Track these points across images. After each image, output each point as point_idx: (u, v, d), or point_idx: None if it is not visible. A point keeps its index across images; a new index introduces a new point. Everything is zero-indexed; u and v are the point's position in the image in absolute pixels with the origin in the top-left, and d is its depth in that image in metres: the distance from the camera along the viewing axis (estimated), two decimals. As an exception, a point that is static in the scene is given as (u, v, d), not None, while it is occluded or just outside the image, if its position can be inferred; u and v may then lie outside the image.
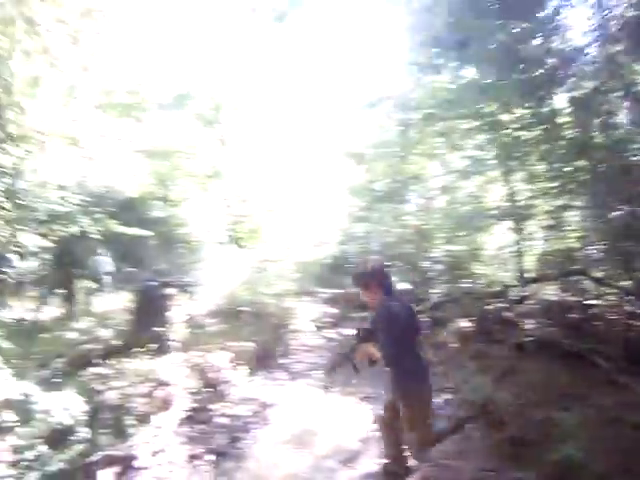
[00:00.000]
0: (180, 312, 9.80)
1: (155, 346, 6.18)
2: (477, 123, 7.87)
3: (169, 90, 10.99)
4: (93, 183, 10.89)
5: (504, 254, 9.69)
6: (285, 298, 9.70)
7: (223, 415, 5.23)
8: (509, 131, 7.52)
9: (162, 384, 5.19)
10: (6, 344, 5.82)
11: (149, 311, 7.01)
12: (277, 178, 12.36)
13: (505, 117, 7.59)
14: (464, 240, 9.84)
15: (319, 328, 9.38)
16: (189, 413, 5.05)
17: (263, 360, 7.29)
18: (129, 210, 11.54)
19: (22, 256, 9.00)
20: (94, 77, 7.77)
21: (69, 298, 8.66)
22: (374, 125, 11.85)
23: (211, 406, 5.36)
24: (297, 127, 11.87)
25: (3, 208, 8.77)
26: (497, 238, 10.08)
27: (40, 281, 9.26)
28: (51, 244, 9.94)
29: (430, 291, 9.80)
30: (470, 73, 7.91)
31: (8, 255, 8.60)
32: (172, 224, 13.27)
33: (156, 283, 7.61)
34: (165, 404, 4.93)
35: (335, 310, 10.13)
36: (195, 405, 5.19)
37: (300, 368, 7.45)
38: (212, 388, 5.70)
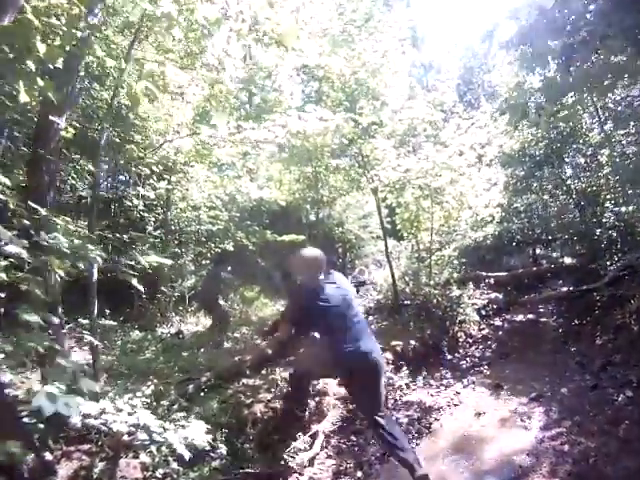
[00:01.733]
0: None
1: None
2: None
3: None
4: (243, 197, 11.56)
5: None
6: (448, 287, 9.25)
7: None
8: None
9: (318, 393, 5.27)
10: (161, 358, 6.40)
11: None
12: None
13: None
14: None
15: (484, 316, 8.83)
16: (341, 423, 5.01)
17: (425, 358, 7.13)
18: (283, 218, 12.20)
19: (182, 276, 10.18)
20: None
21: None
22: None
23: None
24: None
25: (155, 237, 9.92)
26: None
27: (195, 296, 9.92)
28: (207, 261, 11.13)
29: (603, 264, 8.58)
30: None
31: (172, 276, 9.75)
32: (328, 225, 13.81)
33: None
34: (319, 415, 4.99)
35: (500, 295, 9.45)
36: (348, 415, 5.14)
37: (465, 364, 7.12)
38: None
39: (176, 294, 9.96)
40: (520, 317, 8.97)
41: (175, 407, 4.33)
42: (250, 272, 12.14)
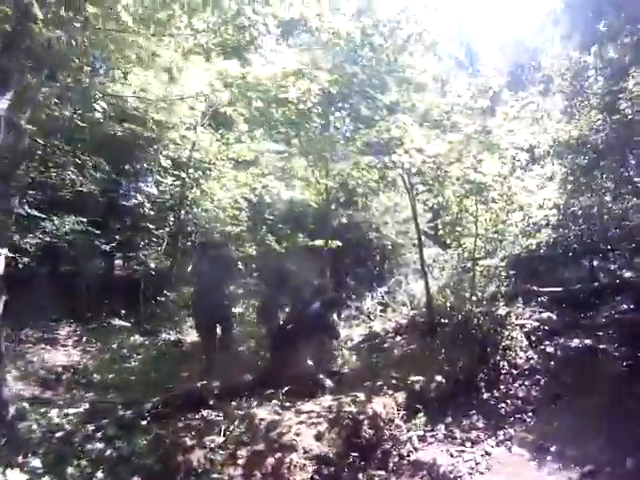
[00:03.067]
0: (356, 332, 8.77)
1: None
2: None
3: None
4: (273, 198, 10.68)
5: None
6: (494, 303, 7.71)
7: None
8: None
9: (281, 447, 4.06)
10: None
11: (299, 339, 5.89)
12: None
13: None
14: None
15: (534, 341, 7.18)
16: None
17: (453, 398, 5.64)
18: (310, 221, 11.03)
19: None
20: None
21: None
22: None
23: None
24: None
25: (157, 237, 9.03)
26: None
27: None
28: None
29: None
30: None
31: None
32: (362, 229, 12.42)
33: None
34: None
35: (552, 315, 7.73)
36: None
37: (504, 409, 5.56)
38: (361, 453, 4.35)
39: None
40: (576, 342, 7.23)
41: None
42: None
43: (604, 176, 8.77)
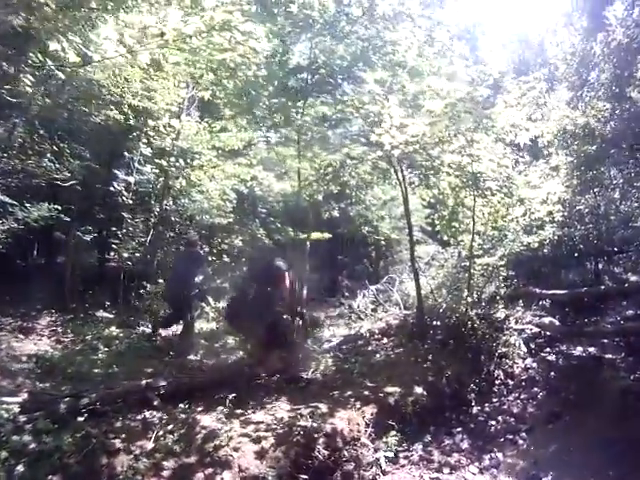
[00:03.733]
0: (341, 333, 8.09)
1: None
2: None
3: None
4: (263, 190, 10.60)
5: None
6: (493, 305, 7.15)
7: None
8: None
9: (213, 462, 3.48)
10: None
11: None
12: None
13: None
14: None
15: (533, 348, 6.45)
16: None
17: (437, 412, 4.93)
18: (297, 213, 10.44)
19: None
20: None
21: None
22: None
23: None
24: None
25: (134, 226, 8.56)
26: None
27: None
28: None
29: None
30: None
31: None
32: (355, 224, 11.74)
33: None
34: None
35: (555, 320, 6.97)
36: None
37: (494, 427, 4.82)
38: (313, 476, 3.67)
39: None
40: (579, 351, 6.54)
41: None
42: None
43: (612, 171, 8.01)
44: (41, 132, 7.89)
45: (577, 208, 7.96)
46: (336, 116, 7.12)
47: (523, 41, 18.43)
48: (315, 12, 5.51)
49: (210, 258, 9.71)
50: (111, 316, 8.16)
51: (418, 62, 6.51)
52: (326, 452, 3.78)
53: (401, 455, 4.19)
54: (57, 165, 7.84)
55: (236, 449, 3.60)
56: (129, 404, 4.29)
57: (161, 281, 8.42)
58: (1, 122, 7.85)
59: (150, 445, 3.61)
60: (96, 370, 5.60)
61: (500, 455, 4.24)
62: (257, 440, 3.74)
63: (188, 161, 9.37)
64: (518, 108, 6.49)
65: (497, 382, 5.82)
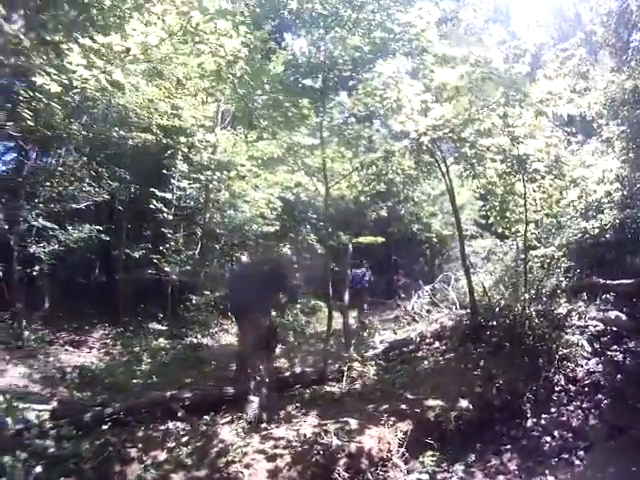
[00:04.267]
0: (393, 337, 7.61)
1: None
2: None
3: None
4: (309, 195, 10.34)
5: None
6: (555, 300, 6.52)
7: None
8: None
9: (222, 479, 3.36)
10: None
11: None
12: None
13: None
14: None
15: (598, 347, 5.71)
16: None
17: (485, 427, 4.43)
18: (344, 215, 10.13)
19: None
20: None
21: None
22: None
23: None
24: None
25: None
26: None
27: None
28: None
29: None
30: None
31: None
32: (404, 223, 11.20)
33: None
34: None
35: (621, 315, 6.16)
36: None
37: (548, 445, 4.24)
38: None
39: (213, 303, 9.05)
40: None
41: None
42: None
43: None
44: (84, 159, 8.33)
45: (638, 186, 7.02)
46: (358, 110, 6.65)
47: (558, 13, 17.04)
48: (317, 4, 5.13)
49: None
50: (163, 328, 8.42)
51: (444, 45, 5.96)
52: (347, 474, 3.43)
53: (438, 477, 3.75)
54: (97, 189, 8.17)
55: (248, 466, 3.46)
56: (154, 414, 4.35)
57: (207, 293, 8.62)
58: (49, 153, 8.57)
59: (163, 456, 3.66)
60: (135, 380, 5.74)
61: (552, 479, 3.68)
62: (272, 458, 3.57)
63: (226, 173, 9.34)
64: (558, 79, 5.81)
65: (557, 389, 5.16)
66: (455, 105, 4.87)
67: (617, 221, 7.09)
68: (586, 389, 5.10)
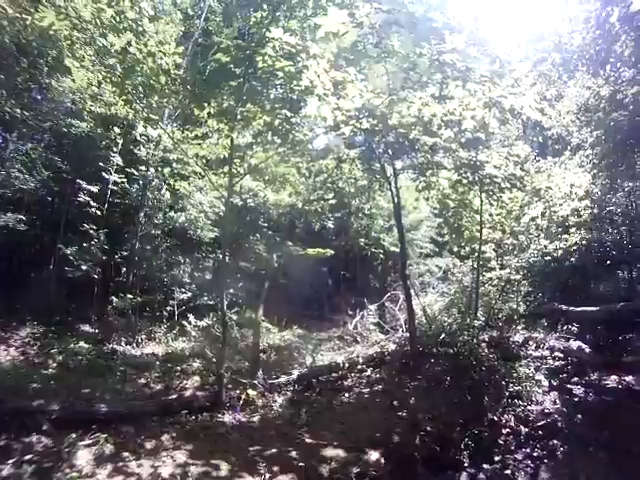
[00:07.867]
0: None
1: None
2: None
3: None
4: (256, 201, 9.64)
5: None
6: (512, 326, 5.75)
7: None
8: None
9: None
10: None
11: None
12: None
13: None
14: None
15: (557, 380, 4.71)
16: None
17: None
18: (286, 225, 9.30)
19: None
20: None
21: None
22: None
23: None
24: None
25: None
26: None
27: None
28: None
29: None
30: None
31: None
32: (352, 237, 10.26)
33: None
34: None
35: (583, 345, 5.20)
36: None
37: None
38: None
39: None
40: (613, 381, 4.87)
41: None
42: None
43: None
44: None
45: (608, 209, 6.07)
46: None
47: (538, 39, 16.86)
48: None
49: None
50: (94, 331, 7.46)
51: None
52: None
53: None
54: (26, 176, 7.27)
55: None
56: (21, 423, 3.62)
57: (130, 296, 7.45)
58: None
59: (7, 471, 3.09)
60: (34, 385, 4.85)
61: None
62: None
63: (168, 170, 8.25)
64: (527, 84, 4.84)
65: (504, 431, 4.09)
66: (372, 79, 3.71)
67: (584, 242, 6.12)
68: (539, 432, 4.05)
